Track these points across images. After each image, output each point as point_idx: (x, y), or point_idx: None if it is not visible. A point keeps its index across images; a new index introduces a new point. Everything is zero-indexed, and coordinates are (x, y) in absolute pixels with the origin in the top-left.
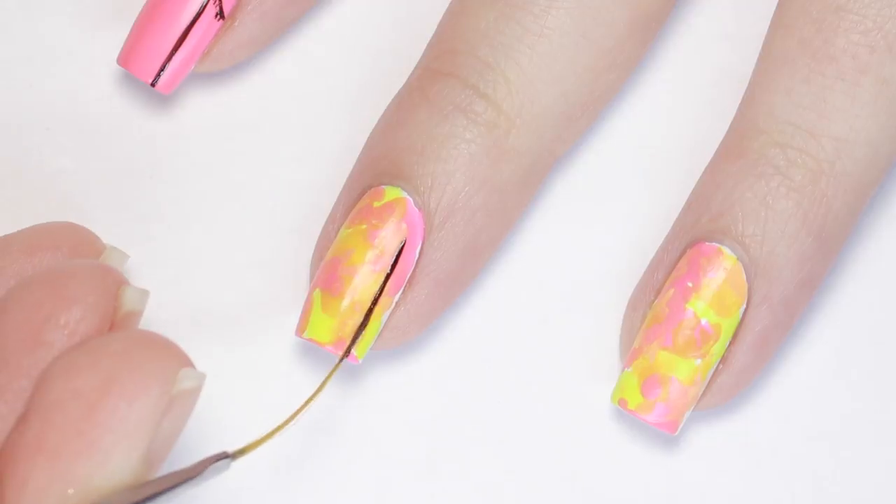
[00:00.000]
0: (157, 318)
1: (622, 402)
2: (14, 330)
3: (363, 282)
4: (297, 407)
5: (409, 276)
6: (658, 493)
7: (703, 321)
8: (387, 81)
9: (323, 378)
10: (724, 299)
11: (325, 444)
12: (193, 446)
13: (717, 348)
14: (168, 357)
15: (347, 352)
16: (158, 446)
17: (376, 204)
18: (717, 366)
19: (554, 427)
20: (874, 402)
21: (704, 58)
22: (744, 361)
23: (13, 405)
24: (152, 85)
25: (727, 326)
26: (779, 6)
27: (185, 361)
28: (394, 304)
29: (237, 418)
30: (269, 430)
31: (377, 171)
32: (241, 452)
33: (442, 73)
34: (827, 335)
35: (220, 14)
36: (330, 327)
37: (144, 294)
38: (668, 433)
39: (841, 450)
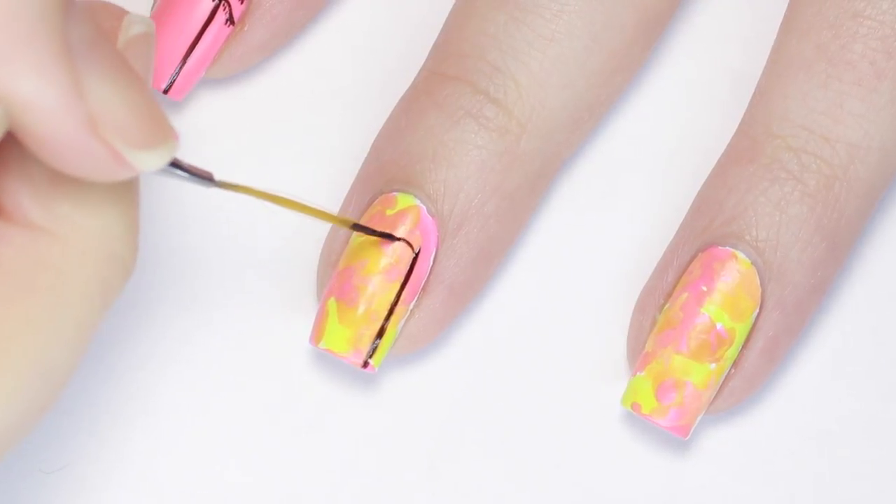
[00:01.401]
0: (157, 316)
1: (636, 407)
2: None
3: (379, 291)
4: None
5: (423, 283)
6: (659, 493)
7: (719, 325)
8: (391, 82)
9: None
10: (738, 304)
11: (326, 444)
12: (194, 446)
13: (731, 353)
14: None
15: (366, 363)
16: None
17: (389, 212)
18: (729, 370)
19: (558, 428)
20: (874, 403)
21: (709, 59)
22: (756, 365)
23: None
24: (164, 92)
25: (741, 331)
26: (791, 10)
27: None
28: (409, 311)
29: (239, 415)
30: (260, 189)
31: (388, 177)
32: (224, 185)
33: (450, 76)
34: (827, 335)
35: (231, 20)
36: (347, 338)
37: (148, 21)
38: (679, 437)
39: (841, 450)
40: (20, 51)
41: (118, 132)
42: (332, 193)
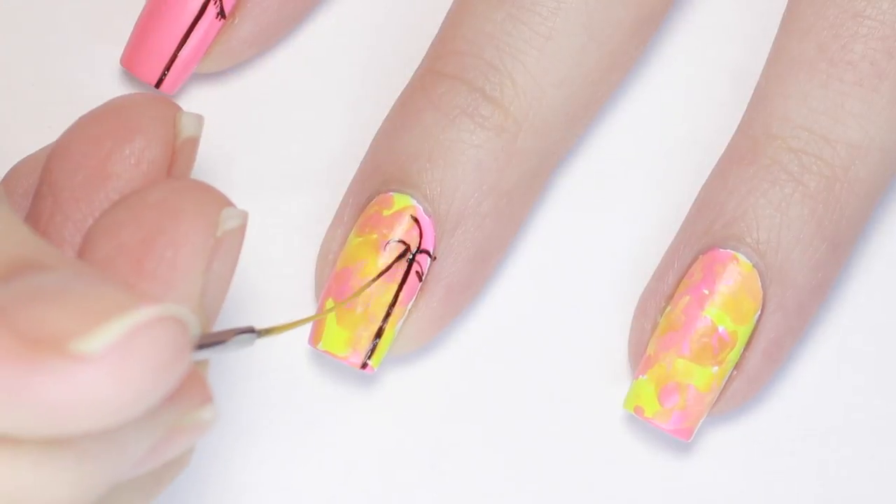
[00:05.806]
0: None
1: (638, 410)
2: (80, 165)
3: (376, 292)
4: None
5: (421, 284)
6: (662, 493)
7: (721, 328)
8: (389, 80)
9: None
10: (740, 306)
11: (328, 444)
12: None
13: (733, 355)
14: (208, 200)
15: (364, 364)
16: (212, 292)
17: (386, 212)
18: (731, 372)
19: (559, 428)
20: (876, 401)
21: (709, 57)
22: (758, 367)
23: None
24: (156, 86)
25: (743, 333)
26: (790, 10)
27: (225, 202)
28: (406, 312)
29: (243, 415)
30: (295, 320)
31: (384, 177)
32: (267, 332)
33: (446, 75)
34: (828, 335)
35: (222, 14)
36: (345, 340)
37: (200, 119)
38: (682, 440)
39: (843, 448)
40: None
41: None
42: (330, 188)
